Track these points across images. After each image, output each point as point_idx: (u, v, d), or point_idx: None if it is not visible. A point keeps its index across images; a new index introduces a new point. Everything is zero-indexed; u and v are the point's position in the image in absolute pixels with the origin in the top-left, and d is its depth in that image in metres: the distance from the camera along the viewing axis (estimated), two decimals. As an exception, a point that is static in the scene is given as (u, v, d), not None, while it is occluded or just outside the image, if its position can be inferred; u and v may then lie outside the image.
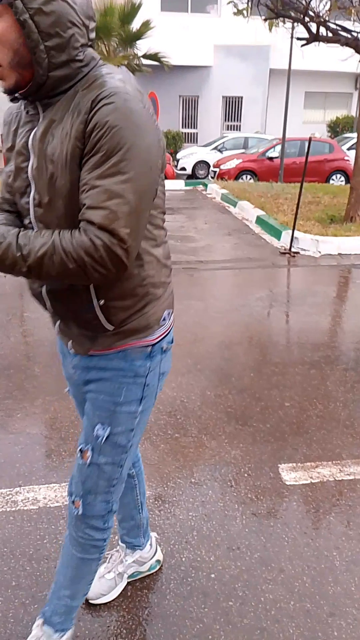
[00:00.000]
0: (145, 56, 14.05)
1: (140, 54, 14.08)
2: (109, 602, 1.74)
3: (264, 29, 8.44)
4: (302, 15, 7.19)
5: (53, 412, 2.88)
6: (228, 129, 21.00)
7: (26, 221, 1.25)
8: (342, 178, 13.26)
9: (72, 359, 1.40)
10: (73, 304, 1.23)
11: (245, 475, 2.39)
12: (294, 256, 6.37)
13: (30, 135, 1.17)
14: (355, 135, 11.97)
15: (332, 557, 1.95)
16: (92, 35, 1.15)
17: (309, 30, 7.37)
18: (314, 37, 7.38)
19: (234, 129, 20.82)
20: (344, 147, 14.21)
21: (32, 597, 1.76)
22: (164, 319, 1.33)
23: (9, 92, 1.15)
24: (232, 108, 21.20)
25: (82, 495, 1.39)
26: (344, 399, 3.07)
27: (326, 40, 7.34)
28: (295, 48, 11.47)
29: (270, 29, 8.09)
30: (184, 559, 1.89)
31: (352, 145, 13.24)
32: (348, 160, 12.91)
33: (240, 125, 21.13)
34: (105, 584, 1.75)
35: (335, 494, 2.28)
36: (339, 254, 6.51)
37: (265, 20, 7.86)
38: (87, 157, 1.08)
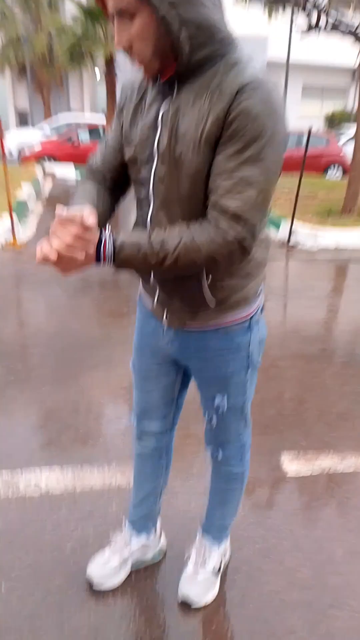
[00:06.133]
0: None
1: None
2: (113, 589, 1.75)
3: (262, 20, 8.38)
4: (302, 4, 7.14)
5: (53, 401, 2.87)
6: (225, 120, 20.92)
7: (141, 193, 1.26)
8: (339, 172, 13.23)
9: (165, 332, 1.44)
10: (181, 280, 1.26)
11: (245, 466, 2.39)
12: (291, 250, 6.37)
13: (161, 110, 1.17)
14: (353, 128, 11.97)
15: (333, 548, 1.96)
16: (225, 13, 1.13)
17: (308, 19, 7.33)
18: (313, 27, 7.35)
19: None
20: (341, 141, 14.20)
21: (34, 586, 1.76)
22: (259, 292, 1.38)
23: (154, 79, 1.16)
24: (229, 99, 21.09)
25: (217, 445, 1.58)
26: (341, 392, 3.08)
27: (326, 29, 7.31)
28: (293, 40, 11.41)
29: (270, 16, 8.02)
30: (186, 550, 1.89)
31: (350, 138, 13.23)
32: (344, 154, 12.90)
33: (237, 117, 21.05)
34: (110, 569, 1.76)
35: (335, 486, 2.29)
36: (336, 248, 6.53)
37: (265, 6, 7.79)
38: (226, 144, 1.08)
